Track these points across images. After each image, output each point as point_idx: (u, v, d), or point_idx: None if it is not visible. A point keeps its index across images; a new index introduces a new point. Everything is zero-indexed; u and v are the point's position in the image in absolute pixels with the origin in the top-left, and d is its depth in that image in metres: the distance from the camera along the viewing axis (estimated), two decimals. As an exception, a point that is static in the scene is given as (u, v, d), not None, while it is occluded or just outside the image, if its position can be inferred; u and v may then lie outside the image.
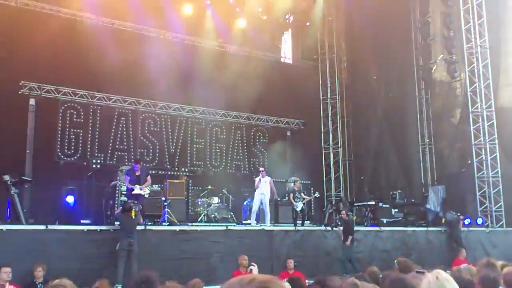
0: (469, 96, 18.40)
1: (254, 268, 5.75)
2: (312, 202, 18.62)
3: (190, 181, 17.24)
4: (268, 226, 14.85)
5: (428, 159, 21.48)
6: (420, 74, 21.98)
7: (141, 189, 13.00)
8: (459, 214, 16.51)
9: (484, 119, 18.14)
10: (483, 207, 17.82)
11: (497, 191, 17.77)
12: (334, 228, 14.67)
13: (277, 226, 15.53)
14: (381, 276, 6.19)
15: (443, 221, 16.94)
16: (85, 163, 16.98)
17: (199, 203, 16.97)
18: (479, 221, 17.46)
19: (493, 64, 18.69)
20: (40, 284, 9.78)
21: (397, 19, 21.58)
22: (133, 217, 11.60)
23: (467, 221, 17.04)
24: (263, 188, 15.30)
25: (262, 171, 15.71)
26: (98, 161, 16.94)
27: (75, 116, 17.54)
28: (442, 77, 21.44)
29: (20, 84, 16.32)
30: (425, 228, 16.93)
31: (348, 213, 14.76)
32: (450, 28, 20.24)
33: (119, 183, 14.88)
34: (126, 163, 17.50)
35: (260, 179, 15.38)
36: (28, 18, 16.90)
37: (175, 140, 19.49)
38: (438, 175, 21.14)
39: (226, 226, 13.93)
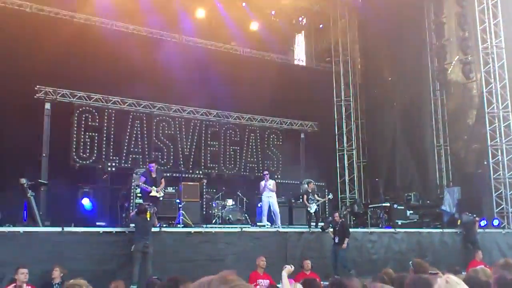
0: (485, 97, 18.27)
1: (289, 268, 5.76)
2: (327, 204, 18.56)
3: (204, 183, 17.27)
4: (280, 227, 14.85)
5: (443, 160, 21.34)
6: (435, 75, 21.86)
7: (157, 191, 13.06)
8: (475, 215, 16.36)
9: (500, 119, 17.99)
10: (499, 208, 17.65)
11: (513, 192, 17.60)
12: (325, 230, 14.27)
13: (291, 227, 15.51)
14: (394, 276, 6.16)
15: (458, 223, 16.81)
16: (100, 166, 17.09)
17: (214, 205, 17.03)
18: (495, 222, 17.29)
19: (509, 64, 18.51)
20: (56, 285, 9.86)
21: (411, 20, 21.50)
22: (149, 218, 11.68)
23: (483, 223, 16.89)
24: (269, 192, 15.37)
25: (266, 174, 15.74)
26: (113, 164, 17.02)
27: (90, 119, 17.67)
28: (457, 78, 21.31)
29: (36, 88, 16.46)
30: (441, 230, 16.81)
31: (341, 215, 14.55)
32: (465, 29, 20.11)
33: (134, 184, 14.92)
34: (141, 166, 17.60)
35: (265, 184, 15.38)
36: (43, 24, 17.10)
37: (189, 143, 19.54)
38: (454, 176, 20.99)
39: (241, 227, 13.94)
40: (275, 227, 14.82)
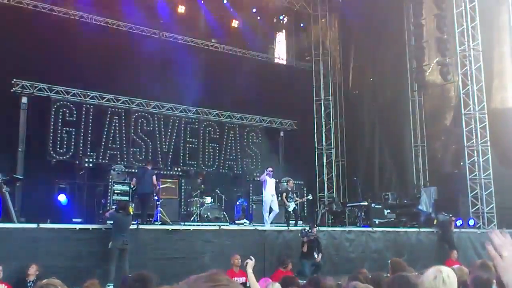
0: (462, 98, 18.47)
1: (251, 262, 5.75)
2: (305, 203, 18.62)
3: (183, 181, 17.19)
4: (269, 224, 14.87)
5: (420, 160, 21.56)
6: (414, 76, 22.07)
7: None
8: (451, 215, 16.56)
9: (476, 121, 18.21)
10: (475, 208, 17.89)
11: (489, 192, 17.84)
12: (304, 240, 13.40)
13: (270, 226, 15.52)
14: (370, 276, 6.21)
15: (435, 222, 17.00)
16: (77, 162, 16.87)
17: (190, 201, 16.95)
18: (471, 222, 17.52)
19: (486, 67, 18.77)
20: (31, 283, 9.73)
21: (391, 21, 21.69)
22: (131, 213, 11.66)
23: (459, 223, 17.11)
24: (273, 189, 15.27)
25: (271, 171, 15.53)
26: (91, 160, 16.81)
27: (67, 114, 17.45)
28: (435, 79, 21.52)
29: (12, 82, 16.23)
30: (417, 229, 16.97)
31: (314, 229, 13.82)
32: (443, 31, 20.31)
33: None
34: (119, 162, 17.47)
35: (267, 179, 15.25)
36: (21, 16, 16.82)
37: (168, 140, 19.43)
38: (431, 176, 21.22)
39: (219, 225, 13.91)
40: (253, 225, 14.83)
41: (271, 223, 15.14)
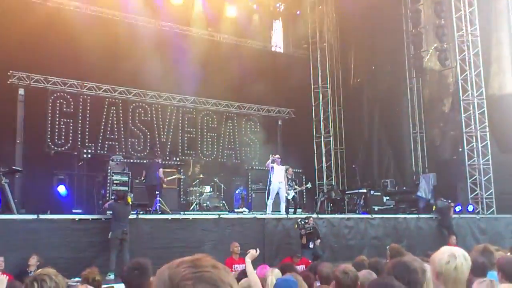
0: (460, 84, 18.45)
1: (252, 253, 5.73)
2: (304, 191, 18.65)
3: (181, 171, 17.20)
4: (284, 214, 14.82)
5: (419, 147, 21.55)
6: (411, 63, 21.97)
7: None
8: (450, 201, 16.59)
9: (475, 107, 18.20)
10: (474, 194, 17.94)
11: (488, 178, 17.89)
12: (302, 233, 13.24)
13: (271, 213, 15.53)
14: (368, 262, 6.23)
15: (434, 208, 17.04)
16: (75, 153, 16.89)
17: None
18: (470, 208, 17.57)
19: (484, 53, 18.73)
20: (32, 273, 9.74)
21: (388, 7, 21.55)
22: (130, 203, 11.69)
23: (458, 208, 17.16)
24: (282, 177, 15.17)
25: (278, 158, 15.42)
26: (89, 150, 16.81)
27: (64, 105, 17.44)
28: (433, 66, 21.46)
29: (9, 74, 16.18)
30: (416, 215, 17.01)
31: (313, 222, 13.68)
32: (441, 16, 20.22)
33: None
34: (117, 153, 17.45)
35: (275, 166, 15.19)
36: (16, 7, 16.68)
37: (166, 130, 19.42)
38: (429, 163, 21.21)
39: (218, 214, 13.93)
40: (253, 214, 14.86)
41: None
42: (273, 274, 5.31)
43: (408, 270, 3.66)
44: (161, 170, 14.42)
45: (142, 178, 14.85)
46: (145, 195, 14.78)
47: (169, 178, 15.52)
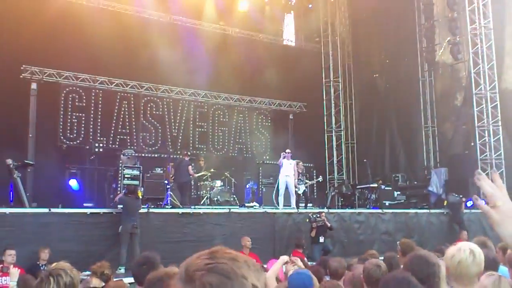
0: (473, 78, 18.28)
1: (297, 261, 5.67)
2: (315, 185, 18.62)
3: (192, 164, 17.24)
4: (294, 208, 14.85)
5: (431, 141, 21.44)
6: (424, 56, 21.83)
7: None
8: (461, 196, 16.48)
9: (487, 101, 18.02)
10: (486, 189, 17.76)
11: (500, 173, 17.70)
12: (312, 226, 13.40)
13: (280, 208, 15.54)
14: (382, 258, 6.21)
15: (445, 203, 16.95)
16: (87, 147, 16.97)
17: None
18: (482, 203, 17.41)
19: (497, 46, 18.52)
20: (43, 266, 9.83)
21: (400, 0, 21.40)
22: (140, 197, 11.77)
23: (469, 203, 17.03)
24: (289, 170, 15.17)
25: (289, 153, 15.43)
26: (101, 144, 16.91)
27: (77, 100, 17.54)
28: (445, 59, 21.31)
29: (22, 68, 16.30)
30: (427, 210, 16.94)
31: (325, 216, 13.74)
32: (454, 9, 20.07)
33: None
34: (129, 147, 17.53)
35: (284, 161, 15.22)
36: (29, 2, 16.77)
37: (177, 124, 19.47)
38: (441, 157, 21.10)
39: (229, 208, 13.96)
40: (264, 208, 14.89)
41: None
42: (294, 267, 5.35)
43: (427, 264, 3.64)
44: (190, 167, 14.84)
45: (172, 176, 15.03)
46: (156, 189, 14.86)
47: (198, 174, 15.96)
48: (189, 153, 16.12)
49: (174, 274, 3.83)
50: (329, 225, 13.42)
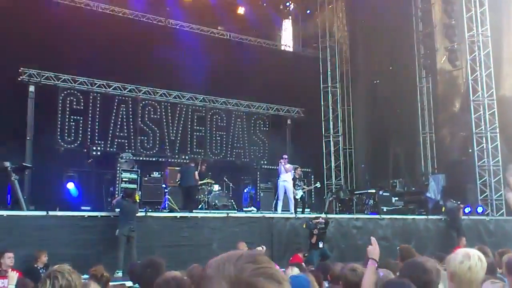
0: (470, 85, 18.32)
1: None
2: (313, 191, 18.63)
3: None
4: (292, 213, 14.88)
5: (429, 147, 21.46)
6: (422, 63, 21.90)
7: None
8: (459, 202, 16.50)
9: (485, 107, 18.07)
10: (483, 195, 17.82)
11: (498, 179, 17.76)
12: (314, 233, 13.20)
13: (277, 213, 15.54)
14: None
15: (443, 210, 16.95)
16: (85, 150, 16.92)
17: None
18: (479, 209, 17.46)
19: (495, 53, 18.58)
20: (42, 269, 9.78)
21: (398, 7, 21.43)
22: (137, 201, 11.73)
23: (467, 210, 17.05)
24: (286, 176, 15.21)
25: (286, 158, 15.50)
26: (98, 148, 16.88)
27: (75, 103, 17.49)
28: (443, 66, 21.36)
29: (20, 71, 16.25)
30: (425, 217, 16.94)
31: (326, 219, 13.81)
32: (451, 16, 20.12)
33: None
34: (127, 150, 17.50)
35: (281, 167, 15.25)
36: (27, 4, 16.75)
37: (175, 128, 19.45)
38: (439, 163, 21.13)
39: (227, 213, 13.93)
40: (262, 213, 14.87)
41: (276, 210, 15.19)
42: (293, 272, 5.40)
43: (423, 271, 3.63)
44: (196, 173, 14.80)
45: (177, 180, 15.03)
46: (154, 193, 14.85)
47: (201, 182, 15.85)
48: (193, 162, 16.03)
49: (182, 278, 3.82)
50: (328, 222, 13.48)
